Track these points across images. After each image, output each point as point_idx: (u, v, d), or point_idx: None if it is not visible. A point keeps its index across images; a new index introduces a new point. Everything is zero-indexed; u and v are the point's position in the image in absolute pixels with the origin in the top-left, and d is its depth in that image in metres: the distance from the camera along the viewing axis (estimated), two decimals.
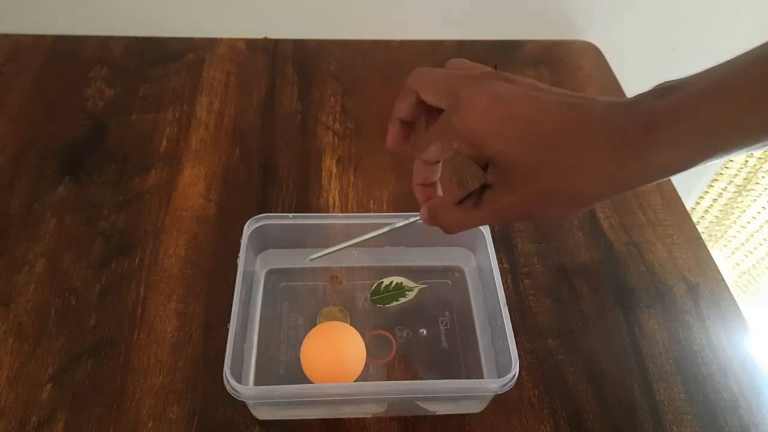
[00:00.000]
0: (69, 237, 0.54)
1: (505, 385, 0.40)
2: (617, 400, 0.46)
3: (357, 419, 0.44)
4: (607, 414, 0.45)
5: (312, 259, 0.48)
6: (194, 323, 0.49)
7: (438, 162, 0.37)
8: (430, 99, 0.34)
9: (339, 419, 0.44)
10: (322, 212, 0.58)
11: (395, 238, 0.52)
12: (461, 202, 0.34)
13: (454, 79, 0.33)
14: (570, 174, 0.29)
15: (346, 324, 0.46)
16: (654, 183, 0.29)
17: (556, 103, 0.30)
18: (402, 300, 0.50)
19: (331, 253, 0.46)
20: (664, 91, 0.28)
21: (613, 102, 0.29)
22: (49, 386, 0.45)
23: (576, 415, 0.45)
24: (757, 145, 0.27)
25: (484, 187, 0.33)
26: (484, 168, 0.33)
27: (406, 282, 0.50)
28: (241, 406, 0.44)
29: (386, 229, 0.44)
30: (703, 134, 0.26)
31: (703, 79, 0.27)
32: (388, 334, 0.49)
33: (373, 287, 0.50)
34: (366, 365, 0.46)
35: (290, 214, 0.50)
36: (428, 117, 0.36)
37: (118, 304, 0.50)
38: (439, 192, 0.39)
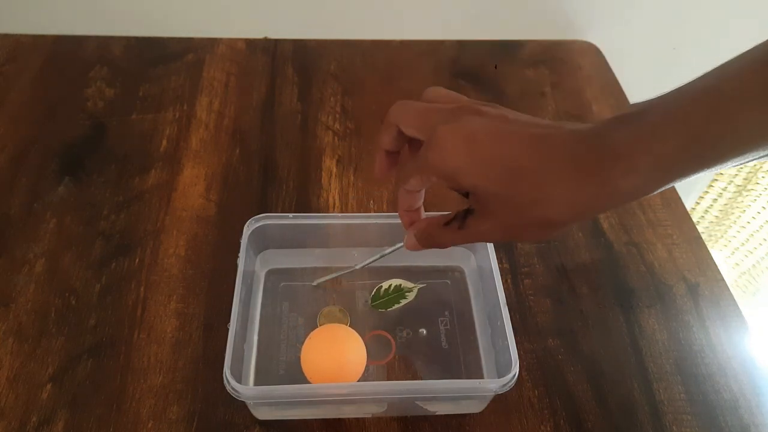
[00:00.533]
0: (69, 237, 0.54)
1: (505, 385, 0.40)
2: (617, 400, 0.46)
3: (357, 419, 0.44)
4: (607, 414, 0.45)
5: (317, 283, 0.51)
6: (194, 323, 0.49)
7: (420, 190, 0.39)
8: (410, 132, 0.36)
9: (339, 419, 0.44)
10: (322, 212, 0.58)
11: (396, 238, 0.52)
12: (448, 223, 0.37)
13: (430, 113, 0.35)
14: (538, 205, 0.31)
15: (346, 326, 0.46)
16: (623, 205, 0.30)
17: (524, 136, 0.32)
18: (403, 302, 0.50)
19: (334, 277, 0.50)
20: (624, 119, 0.30)
21: (576, 132, 0.31)
22: (49, 386, 0.45)
23: (576, 415, 0.45)
24: (714, 168, 0.28)
25: (467, 212, 0.36)
26: (465, 195, 0.36)
27: (405, 283, 0.50)
28: (241, 406, 0.44)
29: (377, 256, 0.47)
30: (659, 164, 0.28)
31: (659, 107, 0.29)
32: (387, 335, 0.49)
33: (373, 292, 0.50)
34: (366, 366, 0.46)
35: (290, 214, 0.50)
36: (411, 147, 0.39)
37: (118, 304, 0.50)
38: (423, 215, 0.42)
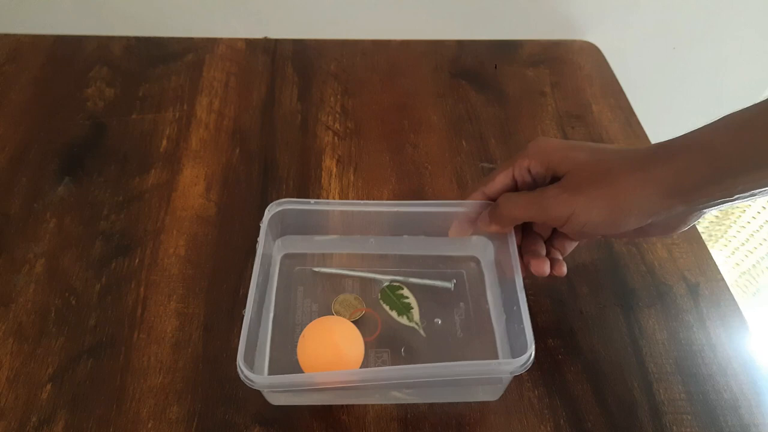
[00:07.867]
0: (69, 237, 0.54)
1: (522, 365, 0.39)
2: (617, 400, 0.46)
3: (357, 419, 0.44)
4: (607, 414, 0.45)
5: (317, 270, 0.51)
6: (194, 323, 0.49)
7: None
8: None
9: (339, 419, 0.44)
10: None
11: (413, 227, 0.51)
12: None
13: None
14: (611, 185, 0.41)
15: (342, 318, 0.46)
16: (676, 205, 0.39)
17: (614, 148, 0.43)
18: (400, 319, 0.49)
19: (334, 273, 0.51)
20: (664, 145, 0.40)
21: (634, 148, 0.42)
22: (49, 386, 0.45)
23: (576, 415, 0.45)
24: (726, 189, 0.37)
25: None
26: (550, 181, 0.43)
27: (416, 312, 0.49)
28: (241, 406, 0.44)
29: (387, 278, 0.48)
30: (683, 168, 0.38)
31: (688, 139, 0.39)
32: (372, 312, 0.49)
33: (392, 283, 0.50)
34: (379, 352, 0.46)
35: (311, 200, 0.49)
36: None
37: (118, 304, 0.50)
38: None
